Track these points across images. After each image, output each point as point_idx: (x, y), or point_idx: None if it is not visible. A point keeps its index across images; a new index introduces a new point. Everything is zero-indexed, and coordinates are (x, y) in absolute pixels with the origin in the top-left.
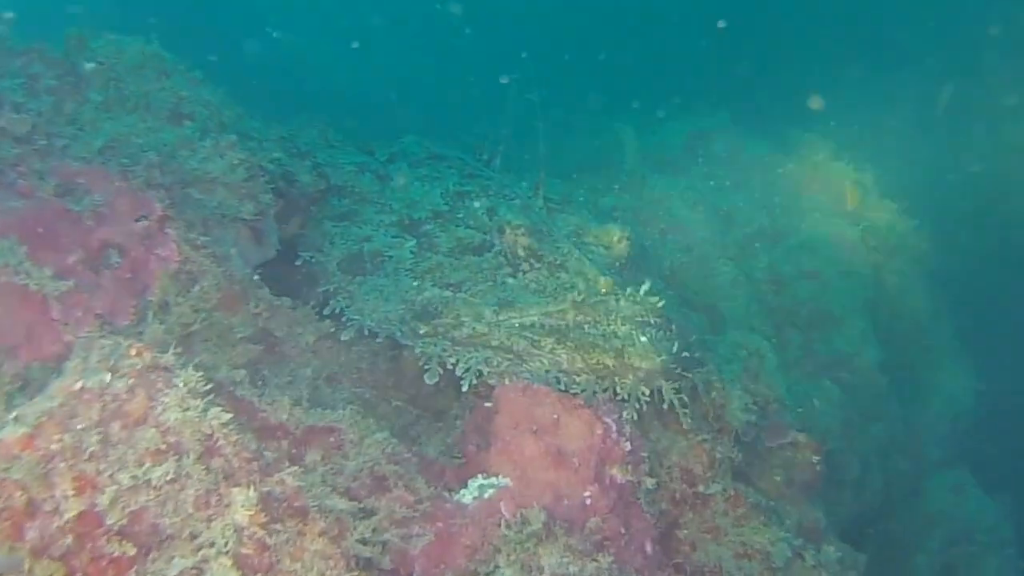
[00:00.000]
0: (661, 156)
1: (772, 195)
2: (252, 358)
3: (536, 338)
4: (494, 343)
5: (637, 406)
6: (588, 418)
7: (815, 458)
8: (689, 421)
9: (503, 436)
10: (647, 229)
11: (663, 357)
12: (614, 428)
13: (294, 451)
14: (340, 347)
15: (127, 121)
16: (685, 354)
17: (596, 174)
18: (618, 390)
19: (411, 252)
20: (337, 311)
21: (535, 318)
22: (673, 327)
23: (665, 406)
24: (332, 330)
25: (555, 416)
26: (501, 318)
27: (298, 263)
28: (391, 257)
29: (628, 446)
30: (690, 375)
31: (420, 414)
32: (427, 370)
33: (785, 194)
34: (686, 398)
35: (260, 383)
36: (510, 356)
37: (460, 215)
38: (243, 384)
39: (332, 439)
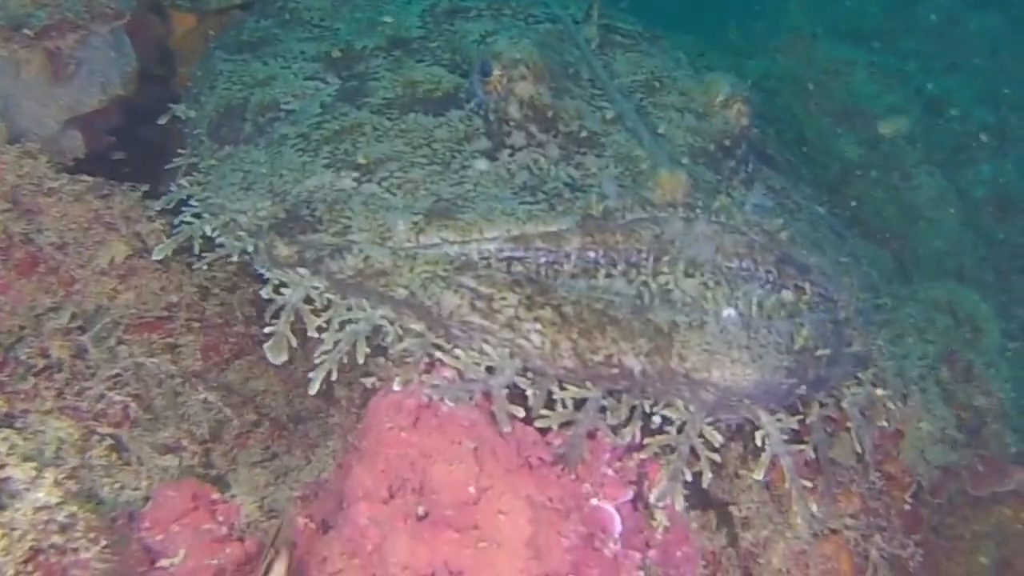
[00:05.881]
0: (852, 24)
1: (1001, 83)
2: None
3: (484, 291)
4: (398, 292)
5: (685, 475)
6: (554, 498)
7: None
8: (813, 504)
9: (354, 522)
10: (810, 111)
11: (765, 359)
12: (616, 527)
13: None
14: (172, 272)
15: None
16: (820, 352)
17: (741, 29)
18: (651, 429)
19: (321, 105)
20: (172, 204)
21: (493, 245)
22: (810, 286)
23: (764, 459)
24: (161, 240)
25: (472, 485)
26: (424, 240)
27: (161, 122)
28: (290, 112)
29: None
30: (828, 402)
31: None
32: (270, 335)
33: (1020, 83)
34: (822, 447)
35: None
36: (421, 326)
37: (434, 44)
38: None
39: None
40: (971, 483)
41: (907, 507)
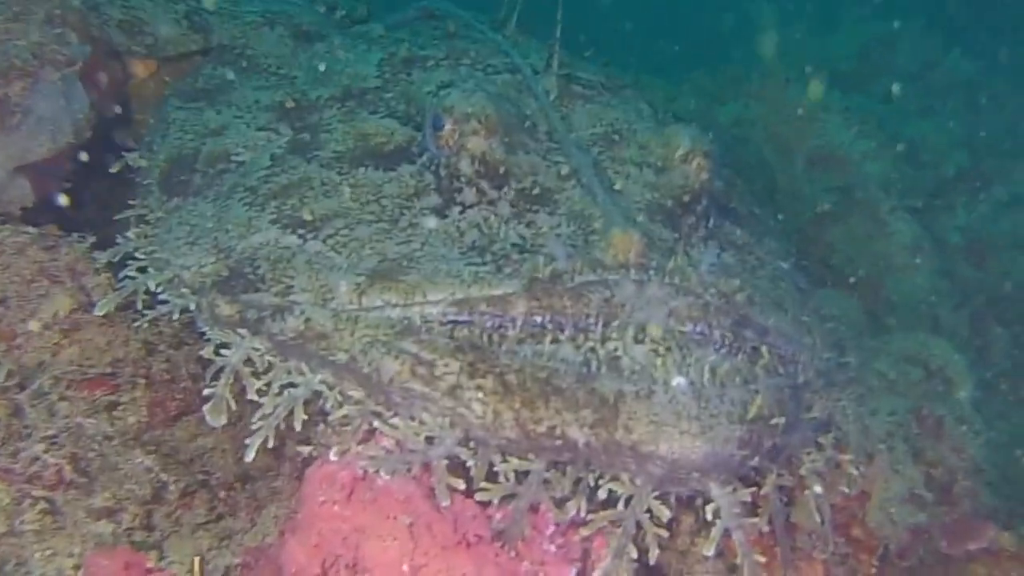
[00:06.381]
0: (826, 64)
1: (977, 127)
2: None
3: (426, 356)
4: (339, 356)
5: (630, 552)
6: None
7: None
8: None
9: None
10: (784, 157)
11: (715, 429)
12: None
13: None
14: (118, 327)
15: None
16: (776, 420)
17: (713, 73)
18: (592, 506)
19: (271, 158)
20: (119, 257)
21: (436, 309)
22: (767, 348)
23: (715, 534)
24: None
25: (406, 563)
26: (367, 302)
27: (113, 170)
28: (240, 164)
29: None
30: (783, 471)
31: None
32: (208, 399)
33: (996, 127)
34: (777, 518)
35: None
36: (361, 392)
37: (389, 94)
38: None
39: None
40: (948, 540)
41: (873, 571)
